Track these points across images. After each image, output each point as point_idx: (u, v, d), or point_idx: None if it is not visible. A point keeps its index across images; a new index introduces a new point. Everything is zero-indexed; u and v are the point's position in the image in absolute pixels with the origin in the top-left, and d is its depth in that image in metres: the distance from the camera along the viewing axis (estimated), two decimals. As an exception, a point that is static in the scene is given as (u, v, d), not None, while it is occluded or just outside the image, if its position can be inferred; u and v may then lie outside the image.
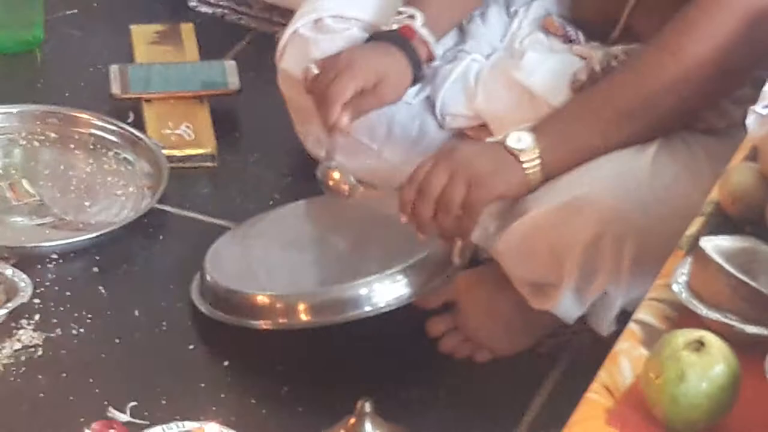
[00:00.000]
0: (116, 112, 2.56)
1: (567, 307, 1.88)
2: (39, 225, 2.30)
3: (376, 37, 2.17)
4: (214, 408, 1.92)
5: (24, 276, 2.08)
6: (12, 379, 1.98)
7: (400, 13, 2.14)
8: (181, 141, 2.49)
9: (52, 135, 2.53)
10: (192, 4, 3.00)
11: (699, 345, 1.12)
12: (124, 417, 1.89)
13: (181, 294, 2.13)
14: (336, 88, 2.07)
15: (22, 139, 2.56)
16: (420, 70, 2.15)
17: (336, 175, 2.10)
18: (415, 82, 2.12)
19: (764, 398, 1.16)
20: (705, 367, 1.10)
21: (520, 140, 1.91)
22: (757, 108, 1.56)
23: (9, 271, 2.10)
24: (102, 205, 2.34)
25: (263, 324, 2.03)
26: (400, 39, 2.13)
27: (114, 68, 2.62)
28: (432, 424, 1.88)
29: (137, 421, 1.88)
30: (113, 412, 1.90)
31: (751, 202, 1.42)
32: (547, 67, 2.18)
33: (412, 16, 2.13)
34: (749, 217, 1.42)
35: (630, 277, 1.83)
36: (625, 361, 1.23)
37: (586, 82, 2.05)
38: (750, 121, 1.59)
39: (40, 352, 2.03)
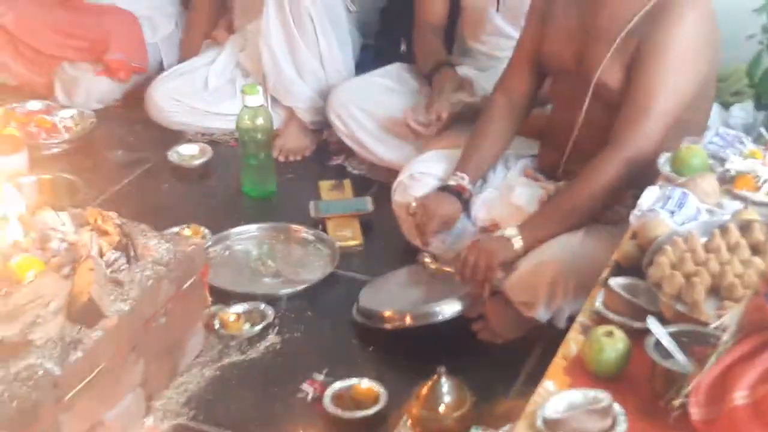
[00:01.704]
0: (313, 225, 3.22)
1: (541, 314, 2.48)
2: (277, 281, 3.00)
3: (443, 188, 2.80)
4: (366, 370, 2.55)
5: (270, 308, 2.80)
6: (267, 360, 2.67)
7: (455, 174, 2.80)
8: (345, 237, 3.17)
9: (281, 236, 3.19)
10: (349, 169, 3.58)
11: (610, 333, 1.67)
12: (320, 377, 2.55)
13: (348, 312, 2.80)
14: (427, 226, 2.73)
15: (267, 239, 3.19)
16: (467, 206, 2.80)
17: (427, 259, 2.81)
18: (463, 211, 2.80)
19: (643, 361, 1.62)
20: (612, 344, 1.65)
21: (511, 232, 2.54)
22: (635, 212, 2.06)
23: (262, 306, 2.80)
24: (308, 270, 3.04)
25: (388, 326, 2.70)
26: (457, 192, 2.77)
27: (312, 203, 3.29)
28: (474, 376, 2.33)
29: (328, 379, 2.51)
30: (315, 375, 2.56)
31: (634, 260, 1.95)
32: (527, 194, 2.73)
33: (462, 178, 2.78)
34: (633, 267, 1.92)
35: (572, 299, 2.40)
36: (573, 342, 1.78)
37: (546, 201, 2.67)
38: (632, 218, 2.07)
39: (279, 347, 2.71)
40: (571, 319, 2.01)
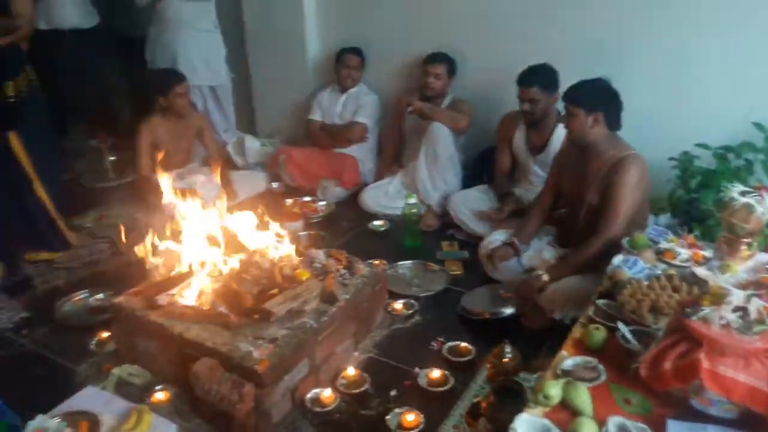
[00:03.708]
0: (438, 263, 3.04)
1: (557, 316, 2.36)
2: (420, 289, 2.81)
3: (505, 243, 2.75)
4: (464, 337, 2.42)
5: (416, 302, 2.69)
6: (414, 328, 2.58)
7: (511, 238, 2.74)
8: (454, 270, 3.01)
9: (422, 267, 2.99)
10: (456, 236, 3.35)
11: (597, 328, 1.67)
12: (441, 339, 2.42)
13: (455, 307, 2.67)
14: (496, 263, 2.74)
15: (415, 268, 3.00)
16: (518, 253, 2.75)
17: (501, 291, 2.67)
18: (516, 257, 2.75)
19: (614, 344, 1.61)
20: (599, 334, 1.66)
21: (542, 272, 2.46)
22: (610, 267, 2.01)
23: (412, 301, 2.68)
24: (435, 285, 2.87)
25: (476, 317, 2.57)
26: (511, 244, 2.74)
27: (438, 252, 3.14)
28: (521, 345, 2.15)
29: (445, 340, 2.40)
30: (438, 338, 2.44)
31: (609, 291, 1.92)
32: (550, 253, 2.66)
33: (514, 240, 2.74)
34: (609, 295, 1.89)
35: (574, 309, 2.26)
36: (577, 331, 1.75)
37: (561, 258, 2.57)
38: (608, 269, 2.02)
39: (420, 322, 2.61)
40: (573, 320, 1.93)
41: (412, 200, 3.26)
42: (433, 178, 3.50)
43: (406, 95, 3.56)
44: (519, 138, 3.18)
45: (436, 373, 2.23)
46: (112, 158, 4.10)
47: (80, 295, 2.77)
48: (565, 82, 2.68)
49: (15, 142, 2.84)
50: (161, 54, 3.87)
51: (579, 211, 2.56)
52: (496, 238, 2.89)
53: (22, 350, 2.45)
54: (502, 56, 3.37)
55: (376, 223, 3.54)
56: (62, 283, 2.94)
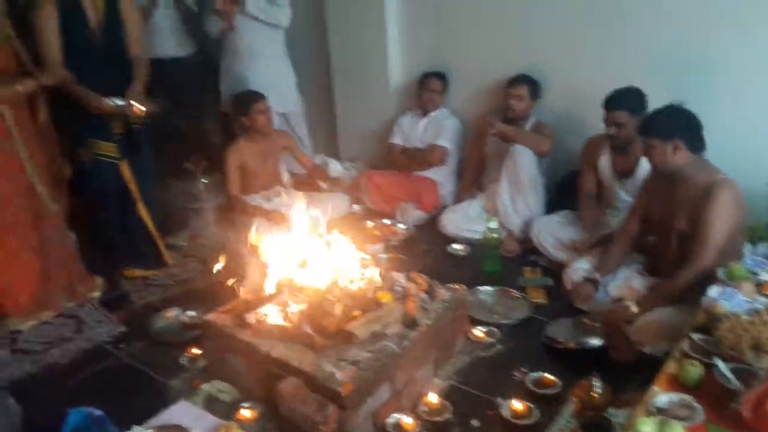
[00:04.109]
0: (520, 290, 2.99)
1: (647, 349, 2.24)
2: (501, 316, 2.79)
3: (586, 279, 2.71)
4: (549, 368, 2.36)
5: (498, 330, 2.65)
6: (495, 356, 2.53)
7: (593, 273, 2.70)
8: (537, 297, 2.96)
9: (503, 294, 2.96)
10: (539, 261, 3.32)
11: (693, 363, 1.63)
12: (524, 368, 2.37)
13: (539, 336, 2.60)
14: (578, 297, 2.72)
15: (496, 294, 2.97)
16: (597, 288, 2.71)
17: (587, 321, 2.63)
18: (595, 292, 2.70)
19: (711, 381, 1.56)
20: (695, 370, 1.62)
21: (631, 303, 2.40)
22: (705, 299, 1.98)
23: (494, 329, 2.64)
24: (517, 313, 2.83)
25: (561, 347, 2.51)
26: (592, 281, 2.71)
27: (519, 278, 3.11)
28: (609, 379, 2.14)
29: (528, 370, 2.35)
30: (521, 367, 2.39)
31: (704, 325, 1.85)
32: (640, 282, 2.62)
33: (597, 275, 2.69)
34: (704, 329, 1.84)
35: (665, 342, 2.11)
36: (671, 366, 1.72)
37: (651, 288, 2.53)
38: (704, 302, 1.97)
39: (502, 350, 2.56)
40: (665, 354, 1.88)
41: (493, 224, 3.26)
42: (514, 202, 3.47)
43: (488, 117, 3.56)
44: (604, 162, 3.13)
45: (519, 405, 2.20)
46: (204, 180, 4.21)
47: (173, 312, 2.89)
48: (653, 104, 2.63)
49: (126, 168, 3.04)
50: (234, 85, 3.95)
51: (669, 239, 2.50)
52: (580, 266, 2.85)
53: (119, 363, 2.58)
54: (585, 79, 3.34)
55: (456, 246, 3.52)
56: (157, 300, 3.08)
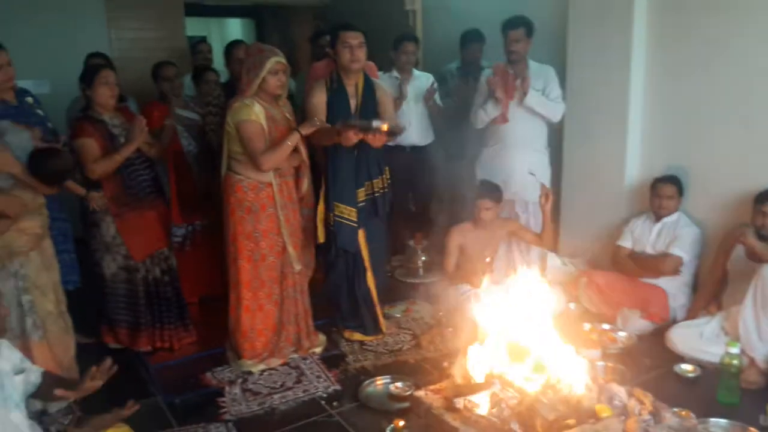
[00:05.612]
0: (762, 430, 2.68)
1: None
2: None
3: None
4: None
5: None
6: None
7: None
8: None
9: (723, 421, 2.72)
10: None
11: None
12: None
13: None
14: None
15: (728, 428, 2.65)
16: None
17: None
18: None
19: None
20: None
21: None
22: None
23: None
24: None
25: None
26: None
27: (761, 416, 2.72)
28: None
29: None
30: None
31: None
32: None
33: None
34: None
35: None
36: None
37: None
38: None
39: None
40: None
41: (735, 349, 2.96)
42: (760, 328, 3.12)
43: (738, 230, 3.30)
44: None
45: None
46: (424, 258, 4.54)
47: (383, 380, 3.02)
48: None
49: (362, 235, 3.31)
50: (493, 173, 4.10)
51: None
52: None
53: (330, 420, 2.74)
54: None
55: (684, 367, 3.25)
56: (369, 365, 3.24)
